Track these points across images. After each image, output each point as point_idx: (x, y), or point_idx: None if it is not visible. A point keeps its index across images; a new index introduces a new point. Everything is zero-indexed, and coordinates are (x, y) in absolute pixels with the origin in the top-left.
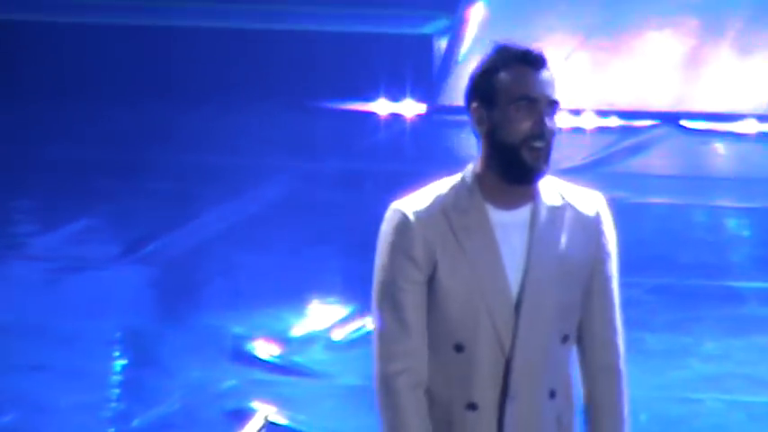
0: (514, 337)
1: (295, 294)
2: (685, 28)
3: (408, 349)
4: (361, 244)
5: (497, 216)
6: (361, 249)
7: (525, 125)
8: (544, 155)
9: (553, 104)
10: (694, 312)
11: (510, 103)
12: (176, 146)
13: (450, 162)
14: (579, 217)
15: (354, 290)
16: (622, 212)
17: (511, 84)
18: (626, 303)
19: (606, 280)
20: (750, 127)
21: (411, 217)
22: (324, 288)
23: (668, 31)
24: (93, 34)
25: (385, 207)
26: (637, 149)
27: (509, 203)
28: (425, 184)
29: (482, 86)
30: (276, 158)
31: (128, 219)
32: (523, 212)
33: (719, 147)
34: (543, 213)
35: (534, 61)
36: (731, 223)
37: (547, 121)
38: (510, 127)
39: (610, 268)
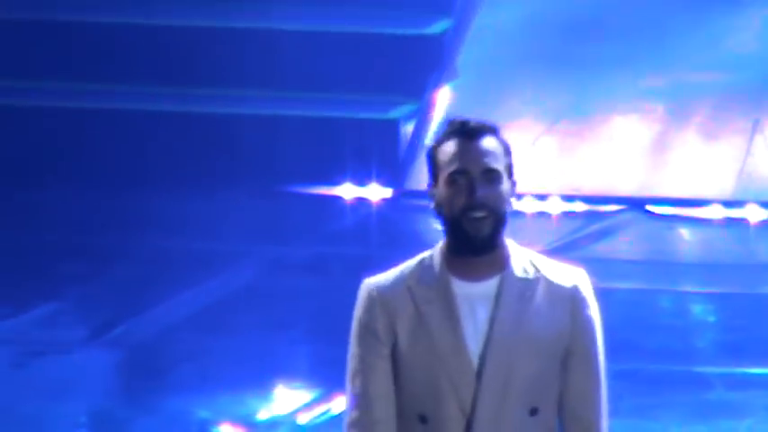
0: (474, 408)
1: (261, 379)
2: (651, 114)
3: (373, 419)
4: (328, 329)
5: (462, 288)
6: (327, 334)
7: (460, 198)
8: (487, 224)
9: (490, 173)
10: (661, 398)
11: (445, 177)
12: (144, 231)
13: (416, 246)
14: (553, 290)
15: (320, 374)
16: None
17: (445, 158)
18: None
19: (583, 355)
20: (715, 213)
21: (374, 292)
22: (289, 372)
23: (634, 117)
24: (61, 118)
25: (351, 292)
26: (603, 234)
27: (474, 275)
28: (391, 268)
29: (428, 163)
30: (243, 243)
31: (95, 303)
32: (491, 284)
33: (685, 232)
34: (511, 285)
35: (469, 132)
36: (697, 309)
37: (481, 190)
38: (447, 201)
39: (588, 343)
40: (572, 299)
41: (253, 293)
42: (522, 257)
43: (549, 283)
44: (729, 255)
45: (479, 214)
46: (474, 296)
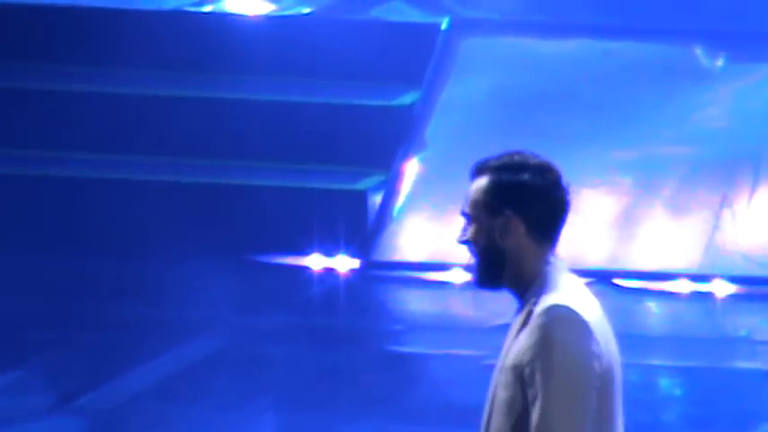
0: None
1: None
2: (620, 187)
3: None
4: (296, 398)
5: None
6: (295, 403)
7: None
8: (475, 264)
9: (465, 216)
10: None
11: None
12: (113, 298)
13: (383, 317)
14: (527, 322)
15: None
16: None
17: None
18: None
19: (532, 390)
20: (683, 286)
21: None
22: None
23: (603, 190)
24: (30, 184)
25: (319, 362)
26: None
27: (517, 302)
28: (358, 339)
29: None
30: (212, 312)
31: (60, 371)
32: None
33: (652, 306)
34: (516, 318)
35: (470, 174)
36: (664, 382)
37: (461, 234)
38: None
39: (532, 377)
40: (532, 329)
41: (221, 362)
42: (540, 288)
43: (532, 313)
44: (697, 328)
45: (468, 254)
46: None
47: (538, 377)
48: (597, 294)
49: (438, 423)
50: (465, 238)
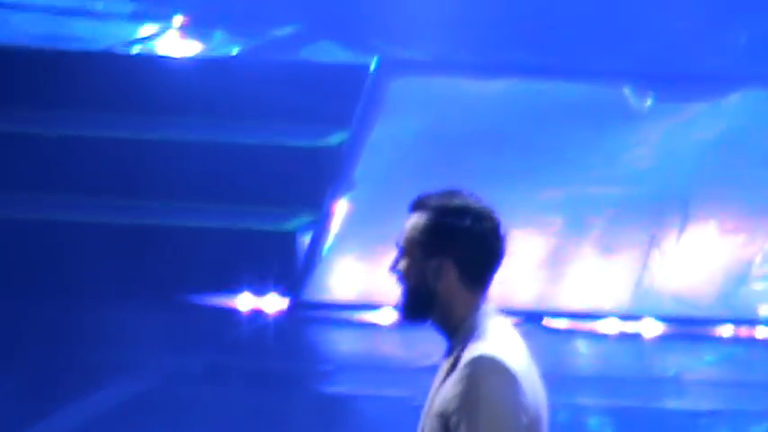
0: None
1: None
2: (549, 227)
3: None
4: None
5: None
6: None
7: None
8: (403, 297)
9: (398, 248)
10: None
11: None
12: (36, 339)
13: (312, 357)
14: (454, 370)
15: None
16: None
17: None
18: None
19: None
20: (611, 326)
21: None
22: None
23: (532, 230)
24: None
25: (249, 403)
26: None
27: (445, 345)
28: (288, 380)
29: None
30: (138, 353)
31: None
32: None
33: (581, 345)
34: (443, 360)
35: (410, 206)
36: (593, 422)
37: (392, 264)
38: None
39: (457, 427)
40: (458, 379)
41: (148, 404)
42: (468, 335)
43: (459, 361)
44: (625, 368)
45: (397, 285)
46: None
47: (463, 428)
48: (526, 335)
49: None
50: (396, 270)
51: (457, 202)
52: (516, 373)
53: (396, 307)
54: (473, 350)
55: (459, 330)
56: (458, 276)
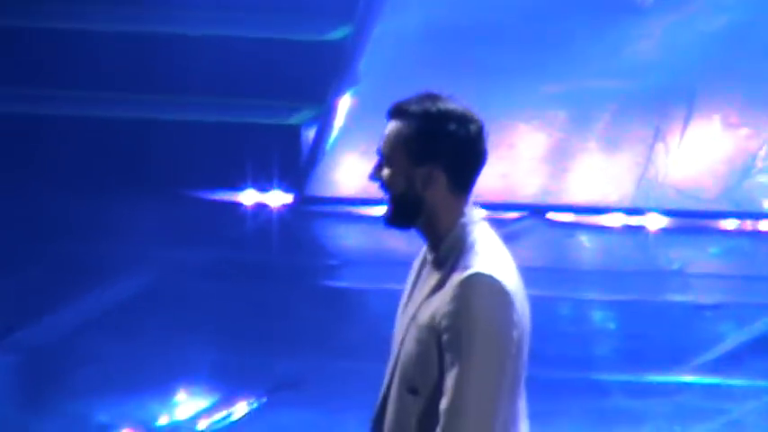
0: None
1: (161, 383)
2: (552, 121)
3: None
4: (228, 334)
5: (427, 262)
6: (227, 339)
7: None
8: (388, 206)
9: (381, 156)
10: (559, 405)
11: None
12: (43, 234)
13: (317, 252)
14: (445, 283)
15: (221, 379)
16: None
17: None
18: None
19: (450, 355)
20: (616, 220)
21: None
22: (190, 377)
23: (535, 124)
24: None
25: (253, 297)
26: (503, 241)
27: (429, 251)
28: (293, 275)
29: None
30: (144, 247)
31: None
32: (429, 262)
33: (585, 239)
34: (429, 267)
35: (387, 113)
36: (597, 316)
37: (373, 171)
38: None
39: (451, 344)
40: (448, 300)
41: (153, 297)
42: (456, 244)
43: (448, 276)
44: (629, 262)
45: (381, 193)
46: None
47: (458, 344)
48: (530, 228)
49: (374, 358)
50: (379, 178)
51: (440, 106)
52: (510, 291)
53: (383, 215)
54: (467, 267)
55: (446, 239)
56: (446, 182)
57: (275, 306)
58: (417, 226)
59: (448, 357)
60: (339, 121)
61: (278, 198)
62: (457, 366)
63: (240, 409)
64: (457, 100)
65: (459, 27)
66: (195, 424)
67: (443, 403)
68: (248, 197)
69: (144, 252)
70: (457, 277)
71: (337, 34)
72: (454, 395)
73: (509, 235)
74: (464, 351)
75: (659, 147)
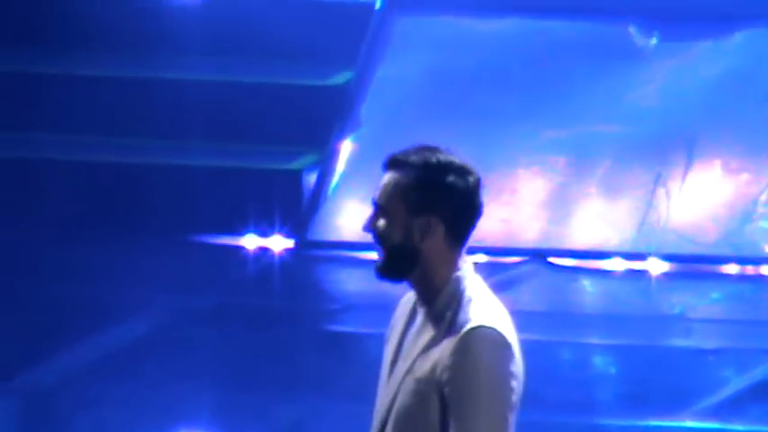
0: None
1: (161, 428)
2: (553, 166)
3: None
4: (229, 378)
5: (419, 314)
6: (228, 384)
7: None
8: (381, 258)
9: (377, 207)
10: None
11: None
12: (44, 278)
13: (318, 297)
14: (445, 336)
15: (220, 423)
16: None
17: None
18: None
19: (454, 408)
20: (617, 265)
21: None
22: (191, 422)
23: (536, 169)
24: None
25: (253, 341)
26: (504, 286)
27: (420, 303)
28: (294, 319)
29: None
30: (145, 292)
31: None
32: (422, 315)
33: (587, 284)
34: (424, 319)
35: (384, 164)
36: (598, 360)
37: (368, 222)
38: None
39: (455, 397)
40: (448, 355)
41: (154, 342)
42: (454, 297)
43: (446, 331)
44: (630, 307)
45: (373, 243)
46: (418, 325)
47: (463, 397)
48: (532, 273)
49: (374, 402)
50: (374, 229)
51: (440, 157)
52: (511, 343)
53: (374, 267)
54: (467, 318)
55: (442, 292)
56: (444, 234)
57: (276, 350)
58: (410, 278)
59: (452, 411)
60: (340, 165)
61: (279, 242)
62: (462, 420)
63: None
64: (454, 152)
65: (461, 72)
66: None
67: None
68: (250, 242)
69: (144, 297)
70: (458, 330)
71: (339, 79)
72: None
73: (510, 279)
74: (470, 404)
75: (660, 192)
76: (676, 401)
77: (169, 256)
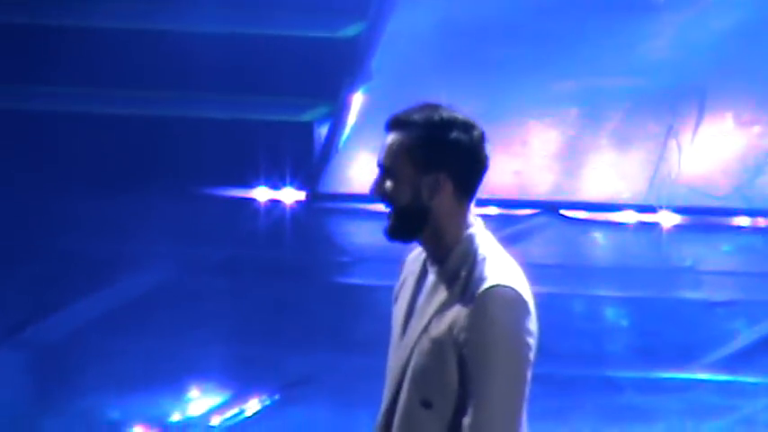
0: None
1: (173, 380)
2: (565, 118)
3: None
4: (240, 330)
5: (431, 272)
6: (240, 335)
7: None
8: (389, 215)
9: (382, 168)
10: (572, 401)
11: None
12: (54, 231)
13: (329, 249)
14: (460, 296)
15: (233, 376)
16: None
17: None
18: None
19: (473, 368)
20: (628, 217)
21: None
22: (202, 374)
23: (548, 121)
24: None
25: (265, 294)
26: (516, 238)
27: (431, 261)
28: (305, 272)
29: None
30: (155, 244)
31: (3, 304)
32: (434, 274)
33: (598, 236)
34: (437, 278)
35: (386, 125)
36: (610, 313)
37: (375, 185)
38: None
39: (474, 357)
40: (466, 313)
41: (165, 294)
42: (467, 256)
43: (462, 289)
44: (642, 258)
45: (385, 207)
46: (430, 282)
47: (482, 358)
48: (543, 225)
49: (385, 355)
50: (381, 191)
51: (442, 114)
52: (527, 300)
53: (384, 229)
54: (483, 278)
55: (454, 251)
56: (452, 190)
57: (288, 303)
58: (421, 238)
59: (470, 371)
60: (352, 117)
61: (291, 195)
62: (481, 380)
63: (253, 405)
64: (456, 108)
65: (472, 24)
66: (208, 420)
67: (468, 417)
68: (261, 194)
69: (156, 249)
70: (474, 290)
71: (350, 31)
72: (480, 409)
73: (522, 232)
74: (488, 364)
75: (672, 144)
76: (687, 353)
77: (180, 208)
